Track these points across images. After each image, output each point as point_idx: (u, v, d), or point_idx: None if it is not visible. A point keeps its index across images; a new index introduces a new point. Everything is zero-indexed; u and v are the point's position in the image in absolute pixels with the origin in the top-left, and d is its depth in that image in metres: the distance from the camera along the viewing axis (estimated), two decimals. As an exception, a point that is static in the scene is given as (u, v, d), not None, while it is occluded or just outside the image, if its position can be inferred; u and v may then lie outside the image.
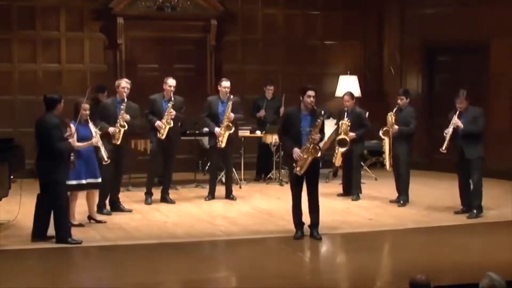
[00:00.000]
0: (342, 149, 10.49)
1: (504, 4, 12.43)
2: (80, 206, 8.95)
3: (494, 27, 12.56)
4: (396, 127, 9.97)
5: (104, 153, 8.84)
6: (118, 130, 9.48)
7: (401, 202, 10.18)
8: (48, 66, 12.89)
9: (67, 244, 7.88)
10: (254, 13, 13.93)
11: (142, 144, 10.98)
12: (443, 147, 9.36)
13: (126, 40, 13.04)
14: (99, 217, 9.14)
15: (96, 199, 9.14)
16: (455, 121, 9.28)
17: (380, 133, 10.10)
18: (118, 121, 9.50)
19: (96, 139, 8.76)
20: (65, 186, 8.11)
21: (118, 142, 9.50)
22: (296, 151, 8.06)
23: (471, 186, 9.44)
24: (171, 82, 10.22)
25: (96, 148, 8.81)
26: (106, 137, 9.30)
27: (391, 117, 10.06)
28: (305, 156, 8.05)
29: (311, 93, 8.16)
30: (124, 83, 9.68)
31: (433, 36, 13.50)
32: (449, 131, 9.31)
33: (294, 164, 8.12)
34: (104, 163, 8.91)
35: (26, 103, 12.57)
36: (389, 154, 10.14)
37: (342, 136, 10.45)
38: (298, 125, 8.17)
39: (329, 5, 14.21)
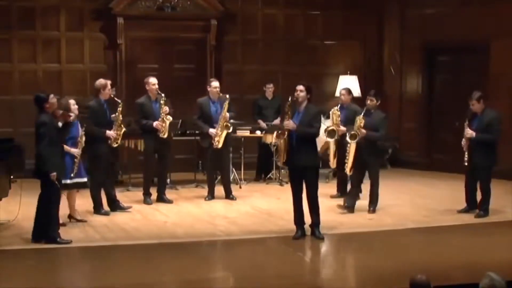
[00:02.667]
0: (330, 139, 10.04)
1: (504, 4, 12.42)
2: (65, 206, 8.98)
3: (494, 27, 12.56)
4: (363, 131, 9.24)
5: (75, 168, 8.63)
6: (118, 133, 9.51)
7: (372, 209, 9.60)
8: (48, 66, 12.89)
9: (56, 244, 7.87)
10: (254, 13, 13.94)
11: (142, 144, 10.96)
12: (465, 161, 9.31)
13: (126, 40, 13.04)
14: (92, 218, 9.17)
15: (75, 198, 9.05)
16: (467, 133, 9.25)
17: (347, 137, 9.40)
18: (115, 123, 9.49)
19: (79, 151, 8.64)
20: (59, 183, 8.07)
21: (117, 144, 9.56)
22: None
23: (481, 192, 9.48)
24: (154, 80, 10.21)
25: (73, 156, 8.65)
26: (103, 140, 9.29)
27: (359, 120, 9.28)
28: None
29: (298, 87, 8.34)
30: (109, 84, 9.64)
31: (433, 36, 13.49)
32: (464, 143, 9.32)
33: None
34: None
35: (26, 103, 12.40)
36: (353, 158, 9.41)
37: (331, 127, 9.89)
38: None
39: (329, 5, 14.21)
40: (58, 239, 7.93)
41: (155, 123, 10.07)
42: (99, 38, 13.11)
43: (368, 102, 9.49)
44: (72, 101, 8.65)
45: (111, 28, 12.92)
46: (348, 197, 9.85)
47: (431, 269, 6.58)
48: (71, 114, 8.38)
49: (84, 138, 8.76)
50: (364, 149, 9.35)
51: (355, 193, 9.80)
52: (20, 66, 12.80)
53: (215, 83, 10.57)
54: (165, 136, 10.09)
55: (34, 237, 8.00)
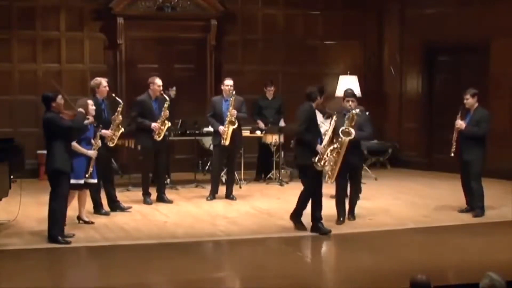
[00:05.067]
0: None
1: (504, 4, 12.42)
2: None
3: (494, 27, 12.55)
4: (353, 130, 8.72)
5: (91, 168, 8.65)
6: (115, 133, 9.51)
7: (351, 216, 9.16)
8: (48, 66, 12.89)
9: (57, 243, 7.87)
10: (254, 13, 13.93)
11: (139, 144, 10.93)
12: (451, 152, 9.37)
13: (126, 40, 13.04)
14: (92, 218, 9.17)
15: (86, 200, 9.05)
16: (457, 123, 9.33)
17: (340, 133, 8.65)
18: (113, 123, 9.50)
19: (95, 153, 8.65)
20: (68, 180, 8.07)
21: (113, 144, 9.56)
22: (320, 147, 8.38)
23: (472, 190, 9.46)
24: (160, 82, 10.21)
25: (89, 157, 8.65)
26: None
27: (353, 115, 8.73)
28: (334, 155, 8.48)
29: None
30: (105, 82, 9.61)
31: (433, 36, 13.49)
32: (454, 135, 9.38)
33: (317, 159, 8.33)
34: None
35: (26, 103, 12.59)
36: (340, 164, 8.73)
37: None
38: (317, 123, 8.53)
39: (329, 5, 14.21)
40: (59, 238, 7.94)
41: (153, 125, 10.06)
42: (99, 38, 13.11)
43: (350, 103, 8.95)
44: (90, 102, 8.65)
45: (111, 28, 12.92)
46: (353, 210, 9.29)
47: (431, 269, 6.57)
48: (79, 111, 8.33)
49: (99, 140, 8.76)
50: (349, 151, 8.74)
51: (343, 199, 9.19)
52: (20, 66, 12.80)
53: (228, 82, 10.62)
54: (160, 139, 10.09)
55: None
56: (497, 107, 11.84)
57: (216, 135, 10.59)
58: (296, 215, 8.64)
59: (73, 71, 12.98)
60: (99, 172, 9.12)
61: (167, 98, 10.17)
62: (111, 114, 9.58)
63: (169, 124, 10.16)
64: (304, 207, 8.59)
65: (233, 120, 10.39)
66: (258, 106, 12.46)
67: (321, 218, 8.47)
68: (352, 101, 8.96)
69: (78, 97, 9.89)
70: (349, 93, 9.12)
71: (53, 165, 7.87)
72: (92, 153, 8.62)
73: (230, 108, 10.42)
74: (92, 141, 8.68)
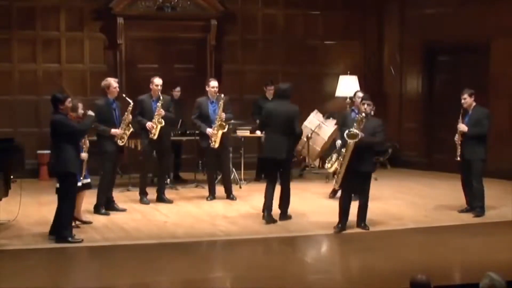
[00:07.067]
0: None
1: (504, 4, 12.42)
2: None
3: (494, 27, 12.56)
4: (362, 134, 8.30)
5: (84, 170, 8.65)
6: (125, 132, 9.53)
7: (363, 224, 8.75)
8: (48, 66, 12.89)
9: (67, 243, 7.88)
10: (254, 13, 13.93)
11: (142, 144, 10.94)
12: (457, 156, 9.34)
13: (126, 40, 13.04)
14: (92, 217, 9.17)
15: (83, 200, 9.03)
16: (460, 126, 9.30)
17: (346, 136, 8.33)
18: (123, 122, 9.54)
19: (86, 155, 8.67)
20: (75, 181, 8.11)
21: (123, 143, 9.59)
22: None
23: (473, 189, 9.45)
24: (158, 81, 10.23)
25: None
26: (109, 138, 9.35)
27: (360, 119, 8.35)
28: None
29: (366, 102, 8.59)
30: (115, 83, 9.65)
31: (433, 36, 13.49)
32: (457, 138, 9.35)
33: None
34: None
35: (26, 103, 12.60)
36: (345, 169, 8.41)
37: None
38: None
39: (329, 5, 14.21)
40: (70, 238, 7.96)
41: (147, 124, 10.09)
42: (99, 38, 13.10)
43: (365, 106, 8.48)
44: (80, 105, 8.62)
45: (111, 28, 12.92)
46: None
47: (431, 269, 6.57)
48: (82, 112, 8.37)
49: (87, 141, 8.77)
50: (360, 157, 8.38)
51: (347, 206, 8.75)
52: (20, 66, 12.80)
53: (213, 83, 10.60)
54: (155, 137, 10.09)
55: (52, 233, 8.10)
56: (497, 107, 11.83)
57: (204, 137, 10.56)
58: (282, 214, 9.04)
59: (73, 71, 12.99)
60: (112, 169, 9.13)
61: (161, 98, 10.14)
62: (122, 114, 9.63)
63: (162, 123, 10.09)
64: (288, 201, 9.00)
65: (224, 124, 10.36)
66: (258, 106, 12.41)
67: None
68: (368, 104, 8.49)
69: (78, 97, 9.93)
70: (366, 96, 8.74)
71: (64, 168, 7.93)
72: (84, 155, 8.61)
73: (219, 111, 10.38)
74: (81, 143, 8.66)
